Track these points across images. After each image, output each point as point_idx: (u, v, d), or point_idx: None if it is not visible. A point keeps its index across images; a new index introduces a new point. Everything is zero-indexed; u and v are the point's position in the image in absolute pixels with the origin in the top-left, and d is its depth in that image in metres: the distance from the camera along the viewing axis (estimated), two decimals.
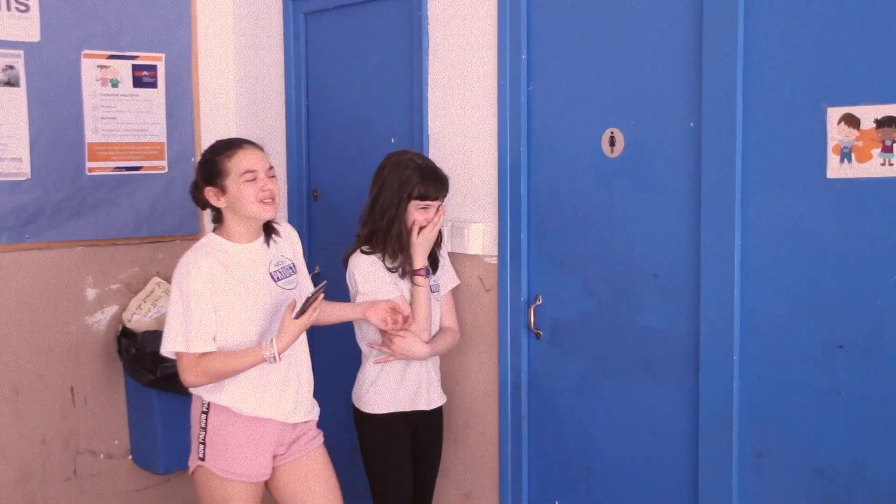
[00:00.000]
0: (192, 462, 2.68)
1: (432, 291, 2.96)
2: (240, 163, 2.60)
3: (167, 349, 2.62)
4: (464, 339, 3.13)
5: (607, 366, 2.77)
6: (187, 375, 2.58)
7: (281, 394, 2.67)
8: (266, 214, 2.63)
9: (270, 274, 2.70)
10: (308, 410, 2.78)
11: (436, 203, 2.87)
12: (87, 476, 3.82)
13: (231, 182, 2.60)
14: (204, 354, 2.56)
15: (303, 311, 2.56)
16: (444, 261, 3.06)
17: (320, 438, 2.84)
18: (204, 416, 2.64)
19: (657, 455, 2.66)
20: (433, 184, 2.85)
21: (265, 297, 2.66)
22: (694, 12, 2.46)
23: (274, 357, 2.54)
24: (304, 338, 2.74)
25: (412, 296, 2.87)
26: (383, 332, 2.86)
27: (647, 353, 2.66)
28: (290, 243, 2.83)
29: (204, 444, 2.63)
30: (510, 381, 3.02)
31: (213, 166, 2.62)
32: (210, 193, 2.63)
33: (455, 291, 3.12)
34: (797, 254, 2.30)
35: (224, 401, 2.62)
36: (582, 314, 2.83)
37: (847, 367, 2.23)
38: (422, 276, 2.85)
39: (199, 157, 2.73)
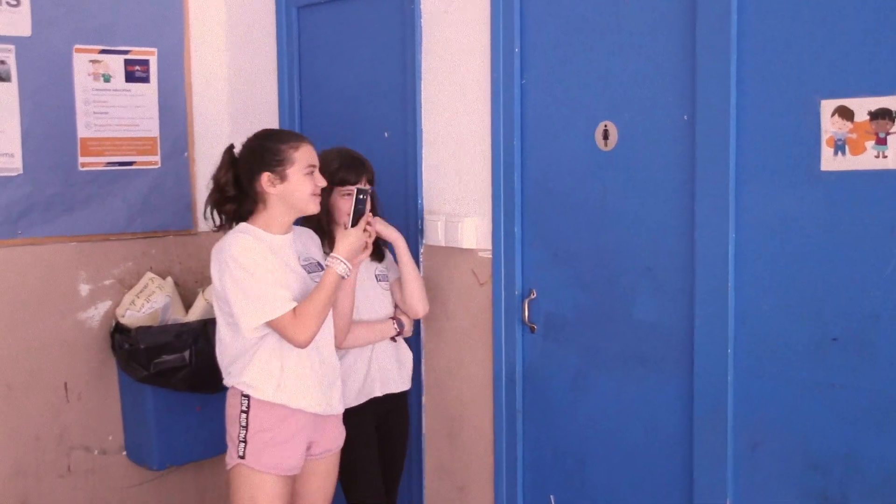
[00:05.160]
0: (231, 460, 2.72)
1: (378, 280, 3.00)
2: (305, 156, 2.71)
3: (258, 321, 2.59)
4: (458, 333, 3.14)
5: (601, 359, 2.77)
6: (298, 333, 2.59)
7: (315, 384, 2.71)
8: (315, 208, 2.74)
9: (302, 266, 2.77)
10: (338, 402, 2.81)
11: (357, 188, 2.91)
12: (82, 472, 3.81)
13: (293, 172, 2.68)
14: (296, 308, 2.61)
15: (355, 223, 2.72)
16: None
17: (342, 439, 2.87)
18: (244, 414, 2.67)
19: (651, 448, 2.66)
20: (352, 168, 2.90)
21: (300, 283, 2.71)
22: (687, 5, 2.45)
23: (346, 267, 2.67)
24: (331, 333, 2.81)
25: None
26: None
27: (641, 346, 2.66)
28: (315, 245, 2.89)
29: (245, 442, 2.66)
30: (504, 375, 3.01)
31: (277, 154, 2.68)
32: (266, 179, 2.67)
33: (449, 285, 3.11)
34: (791, 246, 2.30)
35: (265, 396, 2.65)
36: (576, 307, 2.83)
37: (841, 360, 2.23)
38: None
39: (251, 143, 2.75)
